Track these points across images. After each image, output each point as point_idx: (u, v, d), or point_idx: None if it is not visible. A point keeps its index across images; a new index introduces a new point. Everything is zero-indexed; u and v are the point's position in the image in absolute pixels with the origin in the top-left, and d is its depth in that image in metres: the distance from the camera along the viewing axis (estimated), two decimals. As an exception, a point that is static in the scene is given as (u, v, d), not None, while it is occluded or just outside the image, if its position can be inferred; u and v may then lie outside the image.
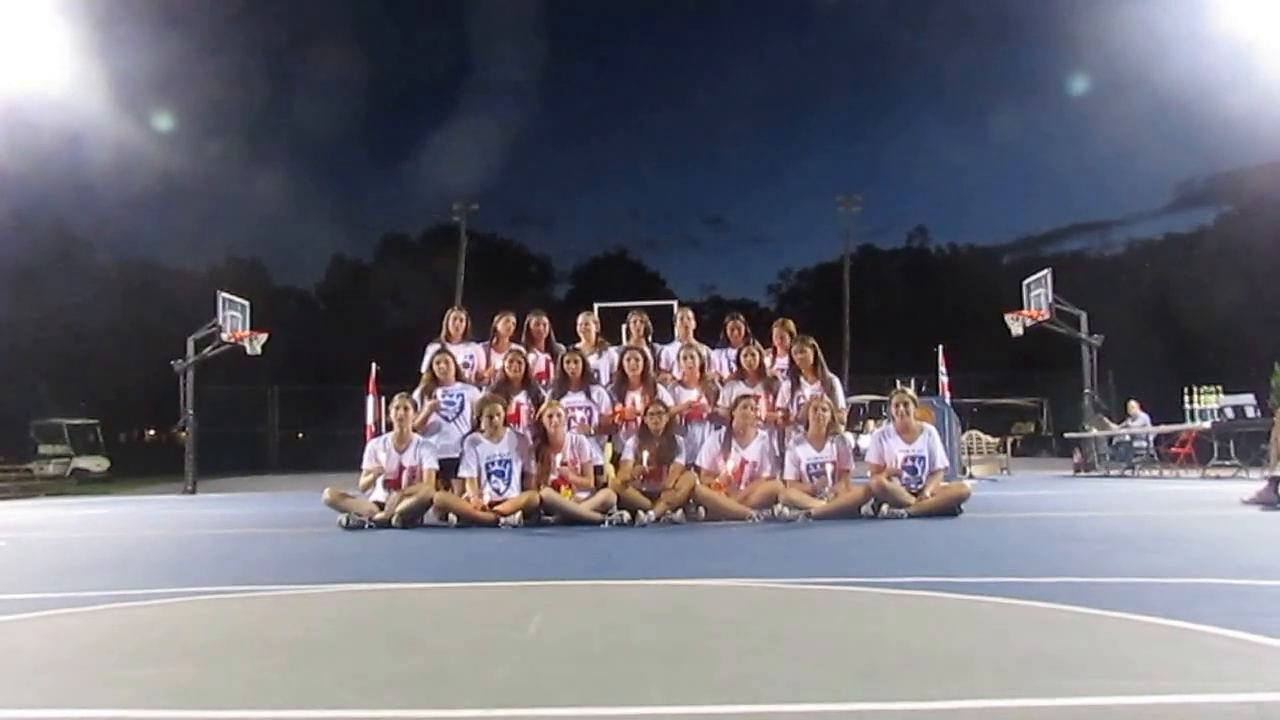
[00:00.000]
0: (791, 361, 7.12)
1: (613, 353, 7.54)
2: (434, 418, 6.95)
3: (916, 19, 62.43)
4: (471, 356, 7.47)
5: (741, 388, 7.03)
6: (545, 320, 7.58)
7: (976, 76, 61.32)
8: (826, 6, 60.92)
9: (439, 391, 6.99)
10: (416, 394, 7.08)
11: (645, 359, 7.09)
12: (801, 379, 7.03)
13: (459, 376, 7.15)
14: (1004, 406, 27.06)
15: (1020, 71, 61.56)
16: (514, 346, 7.43)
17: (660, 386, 7.09)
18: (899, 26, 65.63)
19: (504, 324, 7.59)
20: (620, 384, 7.07)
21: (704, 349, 7.42)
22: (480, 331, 7.72)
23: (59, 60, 16.51)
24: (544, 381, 7.30)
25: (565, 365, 7.06)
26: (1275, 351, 16.15)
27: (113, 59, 20.05)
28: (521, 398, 7.00)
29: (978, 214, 68.40)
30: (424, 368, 7.42)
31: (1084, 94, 39.18)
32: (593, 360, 7.29)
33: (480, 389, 7.21)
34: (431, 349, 7.44)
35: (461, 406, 7.00)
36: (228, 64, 37.68)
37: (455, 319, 7.59)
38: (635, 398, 6.92)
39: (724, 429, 6.73)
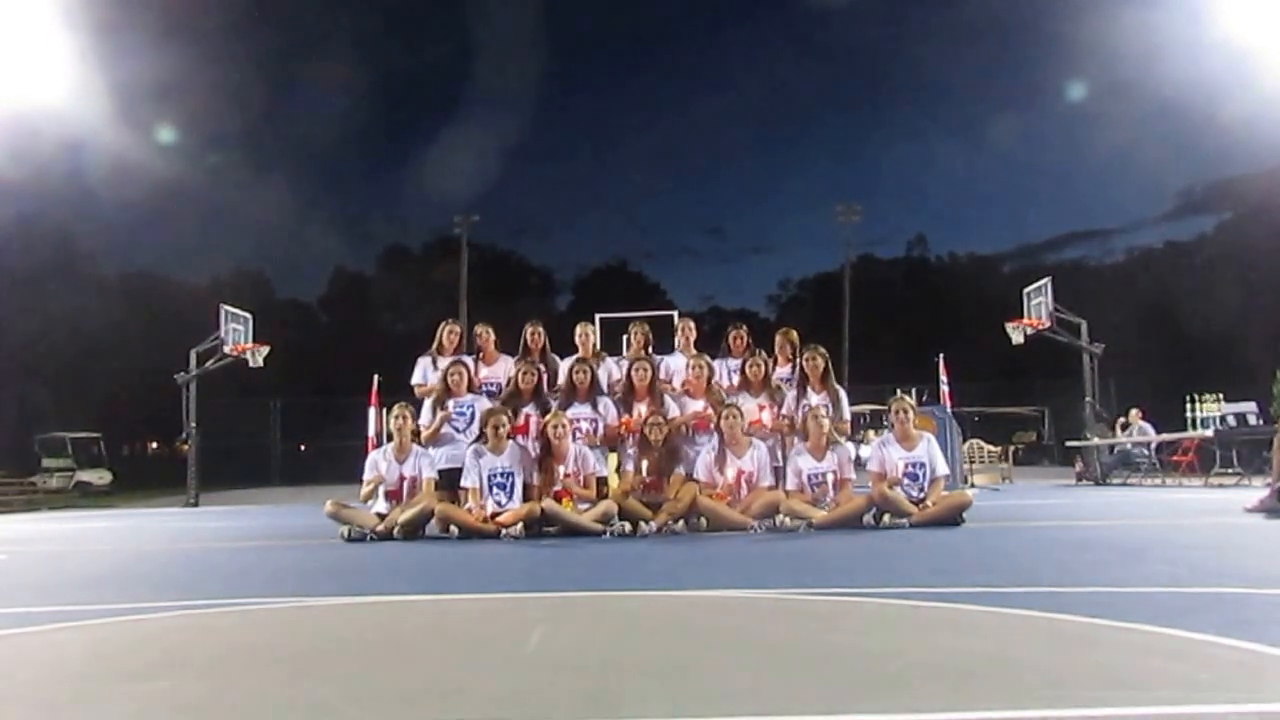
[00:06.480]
0: (801, 370, 7.11)
1: (610, 364, 7.55)
2: (445, 428, 6.96)
3: (915, 28, 62.75)
4: None
5: (746, 398, 7.03)
6: (542, 330, 7.58)
7: (975, 85, 61.43)
8: (825, 17, 61.24)
9: (450, 403, 6.99)
10: (429, 404, 7.09)
11: (653, 369, 7.09)
12: (809, 388, 7.02)
13: (470, 387, 7.15)
14: (1005, 415, 26.97)
15: (1019, 79, 61.84)
16: (497, 356, 7.53)
17: (667, 397, 7.10)
18: (898, 36, 65.92)
19: (483, 336, 7.63)
20: (627, 394, 7.06)
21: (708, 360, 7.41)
22: (473, 344, 7.76)
23: (61, 70, 16.58)
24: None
25: (574, 375, 7.05)
26: (1277, 358, 16.13)
27: (115, 69, 20.15)
28: (531, 409, 7.01)
29: (977, 222, 68.67)
30: (414, 380, 7.48)
31: (1083, 101, 39.38)
32: None
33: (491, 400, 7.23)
34: (423, 361, 7.47)
35: (472, 418, 6.99)
36: (230, 76, 37.86)
37: (449, 331, 7.60)
38: (642, 409, 6.90)
39: (717, 440, 6.71)
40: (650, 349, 7.63)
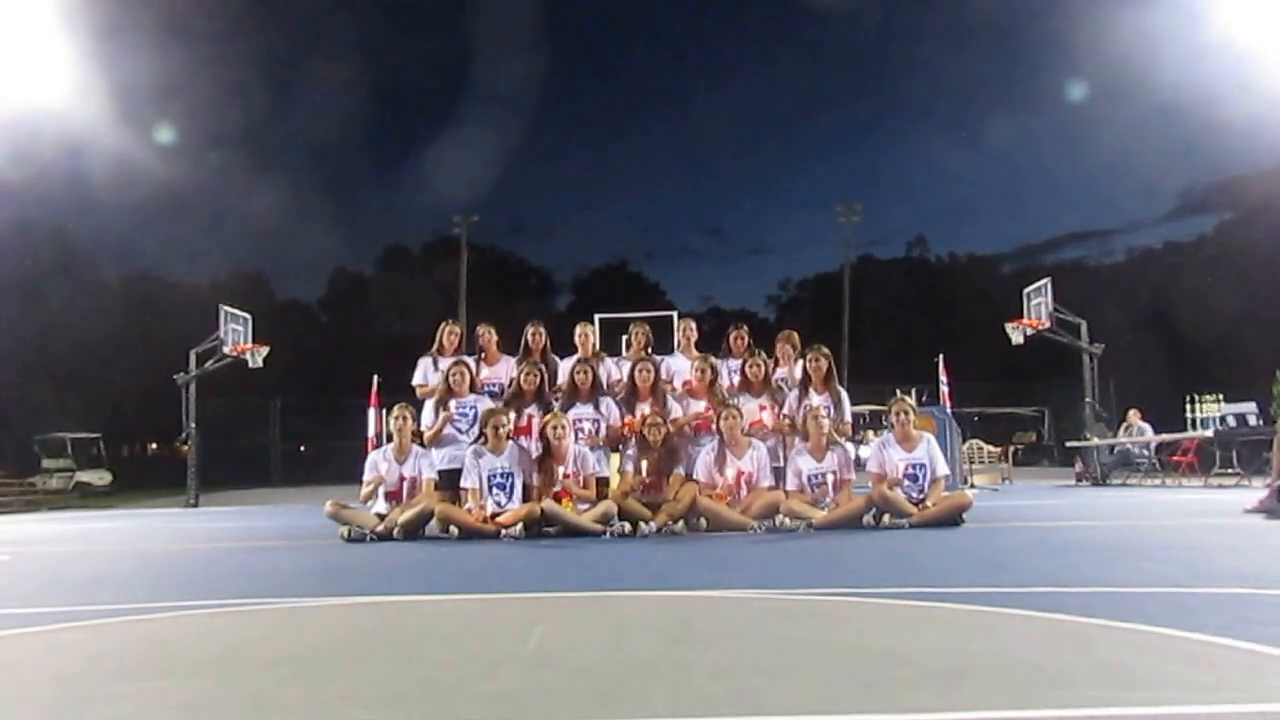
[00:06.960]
0: (804, 371, 7.11)
1: (610, 364, 7.55)
2: (447, 429, 6.96)
3: (915, 28, 62.72)
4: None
5: (747, 398, 7.03)
6: (542, 330, 7.59)
7: (975, 85, 61.41)
8: (825, 17, 61.25)
9: (453, 403, 6.99)
10: (430, 404, 7.09)
11: (656, 370, 7.09)
12: (811, 389, 7.01)
13: (472, 388, 7.16)
14: (1005, 416, 26.98)
15: (1019, 80, 61.67)
16: (499, 357, 7.56)
17: (669, 398, 7.10)
18: (898, 36, 65.89)
19: (485, 336, 7.65)
20: (630, 395, 7.07)
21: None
22: (474, 345, 7.78)
23: (61, 72, 16.59)
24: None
25: (575, 376, 7.05)
26: (1277, 359, 16.13)
27: (114, 70, 20.16)
28: (534, 409, 7.01)
29: (977, 223, 68.69)
30: (414, 381, 7.50)
31: (1083, 101, 39.34)
32: None
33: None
34: (423, 362, 7.48)
35: (475, 418, 6.99)
36: (229, 77, 37.87)
37: (450, 332, 7.62)
38: (645, 409, 6.91)
39: (716, 441, 6.71)
40: (650, 349, 7.64)
